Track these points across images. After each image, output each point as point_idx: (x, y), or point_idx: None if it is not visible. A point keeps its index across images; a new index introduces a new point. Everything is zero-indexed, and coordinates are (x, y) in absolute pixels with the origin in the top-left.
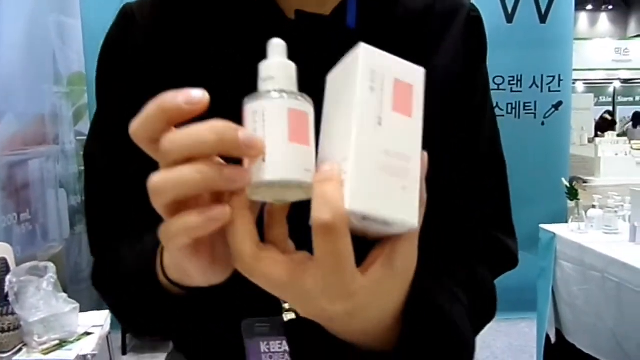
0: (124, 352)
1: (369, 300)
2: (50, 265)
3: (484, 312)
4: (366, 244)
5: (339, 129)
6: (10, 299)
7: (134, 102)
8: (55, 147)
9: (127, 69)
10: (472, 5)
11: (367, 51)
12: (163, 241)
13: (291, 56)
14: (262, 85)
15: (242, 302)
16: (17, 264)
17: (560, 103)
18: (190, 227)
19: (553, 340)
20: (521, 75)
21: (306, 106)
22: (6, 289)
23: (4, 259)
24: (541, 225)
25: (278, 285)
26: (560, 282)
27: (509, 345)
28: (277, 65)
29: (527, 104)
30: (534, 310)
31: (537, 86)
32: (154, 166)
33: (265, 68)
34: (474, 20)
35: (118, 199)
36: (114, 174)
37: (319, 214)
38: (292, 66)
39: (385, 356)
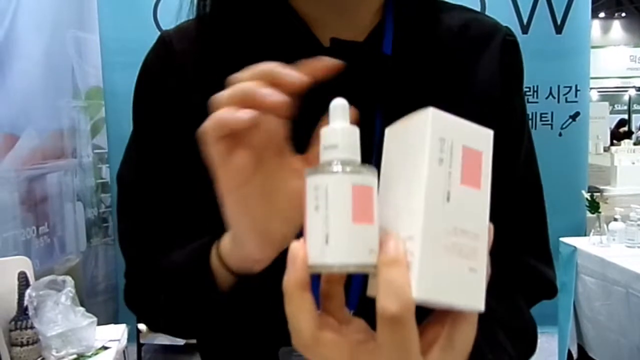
0: None
1: None
2: (69, 279)
3: (525, 354)
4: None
5: (403, 201)
6: (30, 313)
7: (171, 127)
8: (73, 161)
9: (166, 95)
10: (508, 29)
11: (437, 117)
12: (205, 136)
13: (327, 85)
14: (324, 155)
15: (281, 330)
16: (36, 277)
17: (577, 114)
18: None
19: (575, 356)
20: (537, 86)
21: (370, 179)
22: (26, 302)
23: (24, 273)
24: (561, 239)
25: None
26: (582, 296)
27: None
28: (340, 132)
29: (543, 115)
30: (552, 324)
31: (554, 97)
32: (191, 189)
33: (328, 135)
34: (511, 44)
35: (156, 223)
36: (150, 198)
37: (385, 303)
38: (355, 132)
39: None
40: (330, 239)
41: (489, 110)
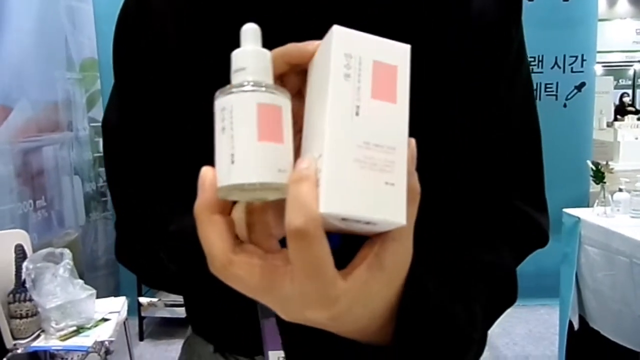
0: (141, 338)
1: (354, 304)
2: (66, 251)
3: (502, 300)
4: (356, 239)
5: (316, 121)
6: (28, 285)
7: (151, 70)
8: (69, 134)
9: (145, 38)
10: None
11: (341, 34)
12: None
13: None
14: (233, 78)
15: None
16: (34, 250)
17: (583, 84)
18: None
19: (576, 326)
20: (542, 56)
21: (280, 99)
22: (23, 275)
23: (21, 246)
24: (564, 210)
25: (253, 290)
26: (585, 267)
27: (528, 332)
28: (248, 54)
29: (548, 85)
30: (553, 296)
31: (559, 67)
32: (176, 134)
33: (236, 58)
34: None
35: (141, 167)
36: (135, 143)
37: (290, 218)
38: (265, 54)
39: (382, 351)
40: (235, 158)
41: (483, 39)
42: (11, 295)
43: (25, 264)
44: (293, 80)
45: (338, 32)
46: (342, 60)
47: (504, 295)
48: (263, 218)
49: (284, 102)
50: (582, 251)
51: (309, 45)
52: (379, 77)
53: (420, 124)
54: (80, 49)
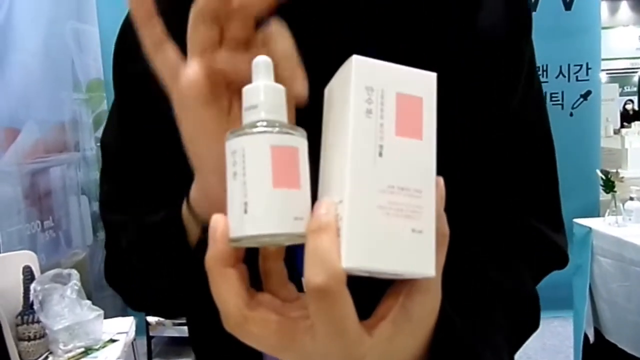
0: (150, 358)
1: (381, 359)
2: (74, 272)
3: (526, 327)
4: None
5: (335, 162)
6: (35, 307)
7: (150, 93)
8: (76, 154)
9: (146, 58)
10: None
11: (361, 64)
12: (183, 91)
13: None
14: (246, 117)
15: None
16: (42, 271)
17: (589, 92)
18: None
19: (592, 339)
20: (547, 65)
21: (296, 140)
22: (31, 297)
23: (29, 267)
24: (575, 220)
25: (271, 348)
26: (598, 278)
27: (542, 345)
28: (261, 90)
29: (554, 95)
30: (566, 308)
31: (564, 76)
32: (173, 154)
33: (248, 94)
34: None
35: (139, 188)
36: (132, 163)
37: (310, 275)
38: (280, 90)
39: None
40: (249, 207)
41: (492, 54)
42: (19, 317)
43: (33, 285)
44: (239, 28)
45: (358, 63)
46: (362, 94)
47: (527, 322)
48: (279, 265)
49: (300, 142)
50: (595, 262)
51: None
52: (403, 111)
53: (440, 154)
54: (86, 70)
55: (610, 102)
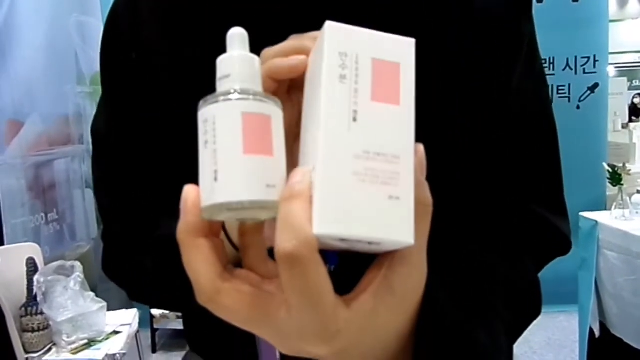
0: (154, 351)
1: (361, 336)
2: (77, 264)
3: (527, 313)
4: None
5: (311, 130)
6: (39, 299)
7: (142, 79)
8: (80, 147)
9: (132, 46)
10: None
11: (334, 30)
12: None
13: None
14: (218, 86)
15: None
16: (46, 264)
17: (596, 85)
18: None
19: (597, 334)
20: (553, 58)
21: (269, 107)
22: (35, 289)
23: (32, 259)
24: (581, 214)
25: (244, 322)
26: (604, 272)
27: (547, 340)
28: (234, 60)
29: (560, 88)
30: (572, 302)
31: (571, 68)
32: (165, 144)
33: (221, 64)
34: None
35: (130, 175)
36: (124, 151)
37: (280, 241)
38: (252, 60)
39: None
40: (219, 174)
41: (490, 32)
42: (23, 309)
43: (36, 277)
44: (283, 97)
45: (331, 29)
46: (336, 59)
47: (527, 308)
48: (257, 240)
49: (273, 110)
50: (601, 256)
51: (296, 59)
52: (379, 76)
53: (426, 126)
54: (90, 63)
55: (619, 96)
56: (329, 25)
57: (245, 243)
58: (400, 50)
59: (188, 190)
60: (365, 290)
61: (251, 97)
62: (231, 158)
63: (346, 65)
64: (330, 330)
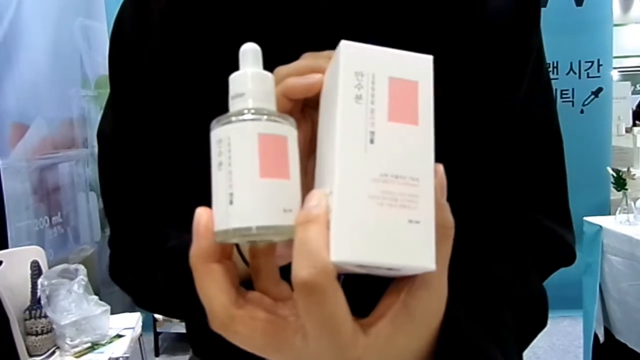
0: (157, 354)
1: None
2: (81, 267)
3: (534, 325)
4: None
5: (327, 152)
6: (42, 302)
7: (150, 84)
8: (84, 151)
9: (140, 50)
10: None
11: (349, 49)
12: None
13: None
14: (231, 105)
15: None
16: (50, 267)
17: (600, 89)
18: None
19: (602, 339)
20: (557, 62)
21: (284, 128)
22: (38, 292)
23: (36, 262)
24: (585, 218)
25: (259, 348)
26: (608, 277)
27: (551, 345)
28: (248, 78)
29: (564, 92)
30: (576, 307)
31: (575, 72)
32: (173, 146)
33: (235, 82)
34: None
35: (137, 180)
36: (130, 155)
37: (297, 269)
38: (267, 78)
39: None
40: (234, 198)
41: (499, 43)
42: (27, 312)
43: (40, 280)
44: (295, 114)
45: (346, 48)
46: (352, 79)
47: (535, 321)
48: (270, 262)
49: (289, 131)
50: (605, 261)
51: (312, 78)
52: (396, 96)
53: (445, 145)
54: (95, 67)
55: (622, 101)
56: (344, 44)
57: (257, 265)
58: (417, 68)
59: (200, 213)
60: (384, 316)
61: (266, 117)
62: (247, 181)
63: (362, 85)
64: (349, 357)
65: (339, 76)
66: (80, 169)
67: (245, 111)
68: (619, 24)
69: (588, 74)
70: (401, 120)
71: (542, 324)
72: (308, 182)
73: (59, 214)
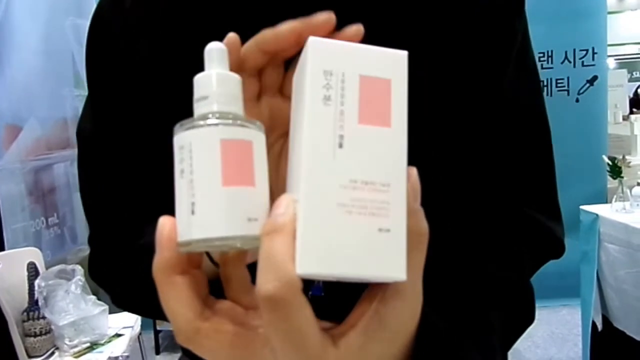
0: (157, 352)
1: None
2: (78, 267)
3: (521, 321)
4: None
5: (296, 157)
6: (40, 303)
7: (126, 82)
8: None
9: (116, 47)
10: None
11: (317, 45)
12: None
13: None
14: (195, 109)
15: None
16: (48, 268)
17: (595, 78)
18: None
19: (600, 327)
20: (552, 51)
21: (250, 132)
22: (36, 293)
23: (33, 264)
24: (582, 207)
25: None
26: (605, 265)
27: (550, 334)
28: (212, 80)
29: (559, 81)
30: (574, 296)
31: (570, 61)
32: (150, 145)
33: (198, 84)
34: None
35: (115, 178)
36: (109, 153)
37: (261, 282)
38: (233, 80)
39: None
40: (196, 207)
41: (482, 30)
42: (25, 314)
43: (37, 281)
44: (274, 75)
45: (314, 44)
46: (320, 79)
47: (522, 316)
48: (240, 270)
49: (255, 135)
50: (602, 249)
51: (283, 27)
52: (367, 95)
53: (419, 146)
54: None
55: (619, 88)
56: (312, 40)
57: (227, 273)
58: (390, 65)
59: (163, 223)
60: (355, 326)
61: (230, 121)
62: (209, 190)
63: (331, 85)
64: None
65: (306, 76)
66: (76, 169)
67: (210, 115)
68: (614, 12)
69: (583, 62)
70: (372, 123)
71: (529, 321)
72: (281, 185)
73: (55, 214)
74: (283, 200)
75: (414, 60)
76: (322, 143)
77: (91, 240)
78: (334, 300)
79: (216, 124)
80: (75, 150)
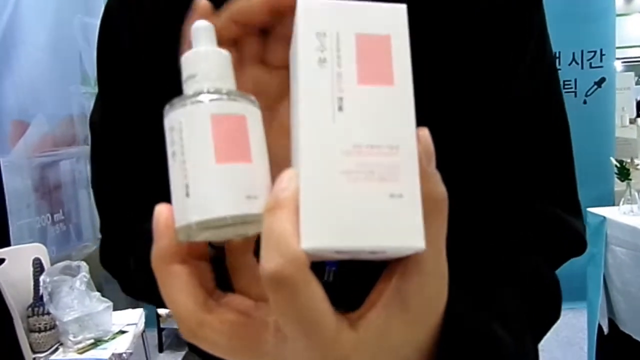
0: (161, 350)
1: (373, 358)
2: (83, 264)
3: (547, 317)
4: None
5: (295, 128)
6: (45, 299)
7: (135, 73)
8: (85, 148)
9: (127, 42)
10: None
11: (307, 6)
12: None
13: None
14: (184, 88)
15: None
16: (53, 264)
17: (603, 79)
18: None
19: (606, 330)
20: (559, 52)
21: (243, 106)
22: (41, 289)
23: (38, 259)
24: (589, 209)
25: (233, 353)
26: (612, 268)
27: (555, 337)
28: (200, 57)
29: (567, 82)
30: (580, 299)
31: (577, 63)
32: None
33: (186, 63)
34: None
35: (125, 168)
36: (118, 144)
37: (264, 260)
38: (222, 55)
39: None
40: (190, 189)
41: (498, 23)
42: (30, 309)
43: (42, 277)
44: (253, 45)
45: (304, 6)
46: (312, 41)
47: (548, 310)
48: (247, 259)
49: (249, 110)
50: (609, 251)
51: None
52: (366, 54)
53: (430, 107)
54: (94, 64)
55: (626, 91)
56: (302, 1)
57: (233, 264)
58: (388, 20)
59: (160, 210)
60: (375, 306)
61: (220, 96)
62: (202, 168)
63: (325, 46)
64: (334, 357)
65: (298, 39)
66: (82, 166)
67: (199, 92)
68: (622, 14)
69: (591, 64)
70: (373, 82)
71: (556, 315)
72: (273, 162)
73: (60, 211)
74: (285, 175)
75: (433, 47)
76: (320, 108)
77: (101, 228)
78: (347, 288)
79: (205, 100)
80: (82, 147)
